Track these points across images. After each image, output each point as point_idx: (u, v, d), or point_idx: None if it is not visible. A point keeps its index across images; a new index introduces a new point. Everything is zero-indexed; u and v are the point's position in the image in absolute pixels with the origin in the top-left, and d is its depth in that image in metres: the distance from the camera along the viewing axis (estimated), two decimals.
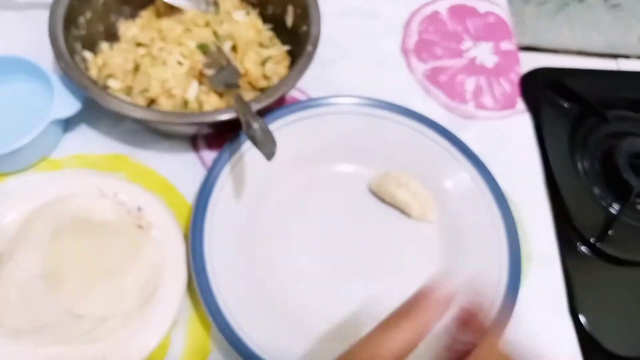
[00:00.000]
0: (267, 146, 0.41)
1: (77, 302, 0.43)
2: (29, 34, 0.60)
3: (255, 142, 0.42)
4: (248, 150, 0.51)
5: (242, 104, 0.47)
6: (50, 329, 0.42)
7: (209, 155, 0.55)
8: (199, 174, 0.54)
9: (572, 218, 0.56)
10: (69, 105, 0.51)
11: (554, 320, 0.50)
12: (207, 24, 0.57)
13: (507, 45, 0.67)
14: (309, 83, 0.61)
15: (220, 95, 0.53)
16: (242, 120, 0.45)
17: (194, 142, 0.56)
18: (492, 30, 0.69)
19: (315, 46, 0.53)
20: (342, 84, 0.61)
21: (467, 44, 0.67)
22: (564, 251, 0.55)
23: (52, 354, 0.43)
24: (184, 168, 0.54)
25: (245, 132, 0.43)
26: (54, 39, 0.50)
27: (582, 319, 0.50)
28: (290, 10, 0.58)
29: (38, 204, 0.48)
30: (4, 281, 0.43)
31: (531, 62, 0.67)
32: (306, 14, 0.55)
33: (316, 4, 0.55)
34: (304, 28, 0.55)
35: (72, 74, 0.48)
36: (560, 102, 0.64)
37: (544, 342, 0.49)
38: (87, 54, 0.54)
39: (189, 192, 0.53)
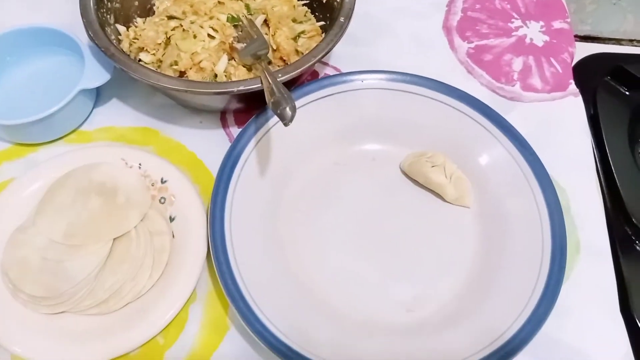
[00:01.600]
0: (286, 109, 0.39)
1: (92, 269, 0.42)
2: (67, 6, 0.61)
3: (274, 107, 0.40)
4: (274, 125, 0.49)
5: (268, 73, 0.45)
6: (65, 298, 0.42)
7: (236, 131, 0.54)
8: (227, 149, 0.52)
9: (630, 214, 0.51)
10: (98, 75, 0.50)
11: (603, 318, 0.46)
12: None
13: (560, 25, 0.62)
14: (346, 62, 0.59)
15: (249, 69, 0.51)
16: (266, 88, 0.43)
17: (222, 118, 0.55)
18: (545, 8, 0.64)
19: (348, 17, 0.50)
20: (380, 64, 0.58)
21: (516, 22, 0.63)
22: (619, 248, 0.50)
23: (65, 323, 0.42)
24: (212, 144, 0.53)
25: (268, 100, 0.41)
26: (83, 8, 0.50)
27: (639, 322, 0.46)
28: None
29: (63, 172, 0.48)
30: (25, 247, 0.44)
31: (589, 52, 0.62)
32: None
33: None
34: (338, 0, 0.53)
35: (99, 42, 0.48)
36: (621, 88, 0.59)
37: (590, 340, 0.44)
38: (120, 28, 0.54)
39: (216, 167, 0.51)
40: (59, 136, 0.52)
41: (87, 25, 0.49)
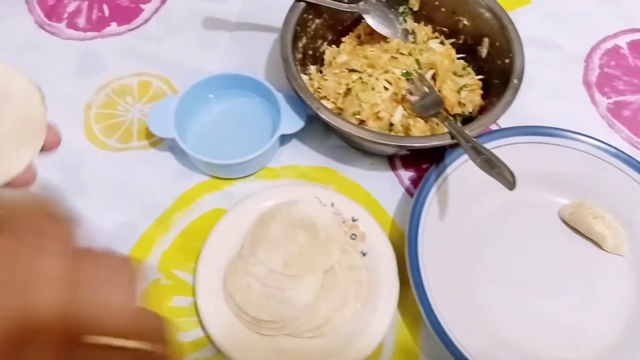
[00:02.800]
0: (507, 173, 0.44)
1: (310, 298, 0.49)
2: (239, 53, 0.68)
3: (491, 169, 0.45)
4: (451, 172, 0.55)
5: (460, 131, 0.51)
6: (287, 322, 0.48)
7: (405, 174, 0.60)
8: (397, 191, 0.59)
9: None
10: (294, 122, 0.57)
11: None
12: (410, 53, 0.61)
13: None
14: None
15: (425, 120, 0.57)
16: (465, 145, 0.49)
17: (391, 161, 0.61)
18: None
19: (520, 79, 0.56)
20: (523, 113, 0.63)
21: None
22: None
23: (284, 344, 0.48)
24: (384, 185, 0.59)
25: (473, 158, 0.47)
26: (286, 62, 0.56)
27: None
28: (486, 42, 0.62)
29: (266, 207, 0.54)
30: (247, 275, 0.50)
31: None
32: (508, 48, 0.58)
33: (519, 38, 0.58)
34: (505, 60, 0.58)
35: (305, 95, 0.54)
36: None
37: None
38: (303, 76, 0.61)
39: (390, 206, 0.58)
40: (252, 173, 0.59)
41: (293, 78, 0.55)
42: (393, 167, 0.61)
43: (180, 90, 0.63)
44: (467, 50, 0.64)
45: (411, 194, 0.59)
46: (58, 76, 0.63)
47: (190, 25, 0.69)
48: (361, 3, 0.62)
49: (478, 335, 0.49)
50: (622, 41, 0.71)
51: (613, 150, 0.57)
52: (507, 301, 0.52)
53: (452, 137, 0.51)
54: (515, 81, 0.56)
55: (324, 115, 0.53)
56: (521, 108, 0.64)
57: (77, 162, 0.58)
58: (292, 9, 0.59)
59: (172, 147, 0.60)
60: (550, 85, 0.67)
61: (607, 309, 0.52)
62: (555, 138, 0.58)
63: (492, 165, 0.46)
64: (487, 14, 0.61)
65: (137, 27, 0.69)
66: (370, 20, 0.61)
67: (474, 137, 0.51)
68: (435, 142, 0.52)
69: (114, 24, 0.69)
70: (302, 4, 0.60)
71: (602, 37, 0.71)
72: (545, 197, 0.58)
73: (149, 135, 0.60)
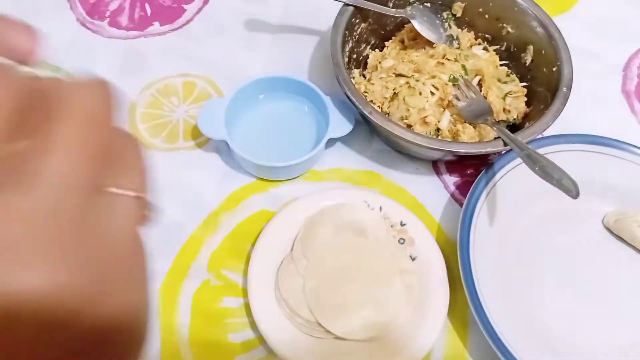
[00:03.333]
0: (567, 181, 0.45)
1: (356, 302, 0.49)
2: (281, 56, 0.68)
3: (551, 178, 0.46)
4: (500, 179, 0.55)
5: (513, 138, 0.51)
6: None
7: (449, 179, 0.60)
8: (443, 196, 0.59)
9: None
10: (342, 126, 0.57)
11: None
12: (456, 59, 0.62)
13: None
14: None
15: (474, 126, 0.58)
16: (520, 154, 0.49)
17: (435, 166, 0.61)
18: None
19: (569, 88, 0.56)
20: (565, 120, 0.63)
21: None
22: None
23: (335, 347, 0.49)
24: (429, 189, 0.59)
25: (530, 166, 0.48)
26: (337, 65, 0.56)
27: None
28: (530, 49, 0.62)
29: (315, 210, 0.54)
30: (300, 277, 0.50)
31: None
32: (555, 56, 0.59)
33: (566, 47, 0.59)
34: (552, 69, 0.59)
35: (357, 99, 0.54)
36: None
37: None
38: None
39: (435, 211, 0.58)
40: (298, 175, 0.59)
41: (344, 82, 0.55)
42: (437, 172, 0.61)
43: (225, 91, 0.64)
44: (510, 57, 0.65)
45: (456, 199, 0.59)
46: (102, 75, 0.63)
47: (232, 27, 0.69)
48: (408, 8, 0.63)
49: (529, 341, 0.49)
50: None
51: None
52: (555, 307, 0.53)
53: (505, 144, 0.52)
54: (565, 89, 0.56)
55: (376, 120, 0.53)
56: (561, 116, 0.65)
57: None
58: (340, 12, 0.60)
59: (218, 147, 0.60)
60: (589, 94, 0.68)
61: None
62: (600, 147, 0.58)
63: (551, 174, 0.46)
64: (534, 22, 0.61)
65: (180, 27, 0.69)
66: (417, 25, 0.62)
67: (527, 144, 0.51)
68: (489, 149, 0.52)
69: (156, 24, 0.69)
70: (351, 8, 0.60)
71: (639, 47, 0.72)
72: (590, 204, 0.58)
73: (195, 135, 0.60)
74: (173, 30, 0.69)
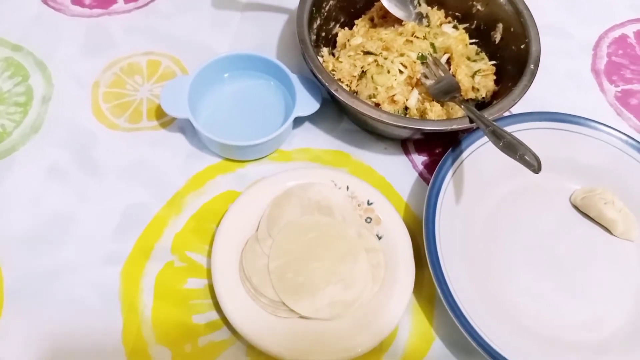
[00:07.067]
0: (530, 157, 0.44)
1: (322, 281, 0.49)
2: (249, 34, 0.67)
3: (514, 153, 0.45)
4: (467, 157, 0.55)
5: (479, 115, 0.51)
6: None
7: (418, 159, 0.60)
8: (411, 175, 0.59)
9: None
10: (309, 104, 0.56)
11: None
12: (425, 37, 0.61)
13: None
14: None
15: (442, 104, 0.57)
16: (486, 130, 0.49)
17: (404, 145, 0.61)
18: None
19: (537, 65, 0.56)
20: (537, 100, 0.63)
21: None
22: None
23: (300, 326, 0.48)
24: (397, 168, 0.59)
25: (495, 142, 0.47)
26: (303, 42, 0.55)
27: None
28: (500, 27, 0.62)
29: (281, 189, 0.54)
30: (264, 257, 0.50)
31: None
32: (524, 33, 0.58)
33: (534, 24, 0.58)
34: (520, 46, 0.58)
35: (323, 76, 0.53)
36: None
37: None
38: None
39: (403, 190, 0.58)
40: (265, 155, 0.58)
41: (310, 59, 0.54)
42: (406, 152, 0.61)
43: (190, 70, 0.63)
44: (480, 36, 0.64)
45: (424, 179, 0.59)
46: (65, 54, 0.62)
47: (199, 4, 0.68)
48: None
49: (494, 318, 0.49)
50: (630, 30, 0.72)
51: (624, 137, 0.57)
52: (520, 284, 0.53)
53: (471, 121, 0.51)
54: (532, 67, 0.56)
55: (342, 97, 0.52)
56: (530, 94, 0.65)
57: (87, 142, 0.57)
58: None
59: (182, 127, 0.59)
60: (559, 72, 0.68)
61: (617, 293, 0.53)
62: (568, 124, 0.58)
63: (515, 149, 0.46)
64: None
65: (145, 4, 0.67)
66: (386, 2, 0.61)
67: (493, 121, 0.51)
68: (455, 126, 0.52)
69: (120, 1, 0.67)
70: None
71: (610, 25, 0.72)
72: (557, 182, 0.58)
73: (159, 115, 0.59)
74: (138, 8, 0.67)
